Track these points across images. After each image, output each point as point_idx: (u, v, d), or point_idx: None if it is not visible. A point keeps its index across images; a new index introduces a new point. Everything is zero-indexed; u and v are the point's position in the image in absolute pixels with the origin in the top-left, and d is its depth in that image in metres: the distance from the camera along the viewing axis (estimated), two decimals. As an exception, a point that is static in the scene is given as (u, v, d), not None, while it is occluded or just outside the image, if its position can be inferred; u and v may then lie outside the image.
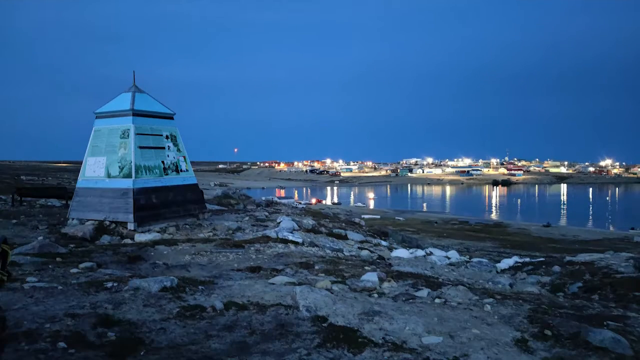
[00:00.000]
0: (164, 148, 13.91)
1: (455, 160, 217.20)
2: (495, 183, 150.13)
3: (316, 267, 8.09)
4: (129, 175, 12.54)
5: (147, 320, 4.72)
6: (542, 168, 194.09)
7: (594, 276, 8.34)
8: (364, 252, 11.60)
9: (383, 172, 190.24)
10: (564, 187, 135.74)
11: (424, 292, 6.17)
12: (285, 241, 10.78)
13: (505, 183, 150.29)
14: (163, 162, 13.71)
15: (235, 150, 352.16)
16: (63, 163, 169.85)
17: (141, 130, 13.22)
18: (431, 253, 12.54)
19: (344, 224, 18.54)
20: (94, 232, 11.42)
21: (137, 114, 13.16)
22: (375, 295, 6.09)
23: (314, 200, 73.65)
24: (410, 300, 5.76)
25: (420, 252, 12.25)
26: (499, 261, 12.09)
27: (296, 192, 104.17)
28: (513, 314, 5.23)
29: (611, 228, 49.81)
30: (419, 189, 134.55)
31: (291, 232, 12.46)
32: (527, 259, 12.17)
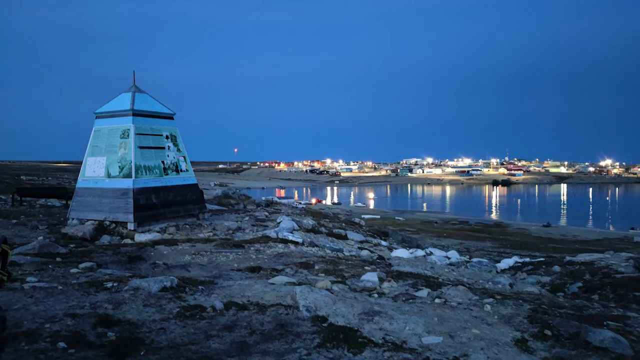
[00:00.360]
0: (164, 148, 13.91)
1: (455, 160, 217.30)
2: (495, 183, 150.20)
3: (316, 267, 8.09)
4: (129, 175, 12.54)
5: (147, 320, 4.72)
6: (542, 168, 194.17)
7: (594, 276, 8.35)
8: (364, 252, 11.61)
9: (383, 172, 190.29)
10: (564, 187, 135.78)
11: (424, 292, 6.17)
12: (285, 241, 10.78)
13: (505, 183, 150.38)
14: (163, 162, 13.71)
15: (235, 150, 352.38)
16: (63, 163, 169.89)
17: (141, 130, 13.22)
18: (431, 253, 12.54)
19: (344, 224, 18.55)
20: (94, 232, 11.42)
21: (137, 114, 13.16)
22: (375, 295, 6.09)
23: (314, 200, 73.65)
24: (410, 300, 5.76)
25: (420, 252, 12.25)
26: (499, 261, 12.10)
27: (296, 192, 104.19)
28: (513, 314, 5.23)
29: (611, 228, 49.81)
30: (419, 189, 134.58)
31: (291, 232, 12.46)
32: (527, 259, 12.18)
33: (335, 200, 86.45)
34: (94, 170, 13.10)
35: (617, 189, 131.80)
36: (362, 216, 38.14)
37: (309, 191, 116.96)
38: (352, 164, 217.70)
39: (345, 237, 14.10)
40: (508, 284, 7.84)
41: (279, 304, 5.31)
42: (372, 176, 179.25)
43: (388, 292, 6.28)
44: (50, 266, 7.10)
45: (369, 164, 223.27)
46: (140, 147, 13.00)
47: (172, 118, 14.75)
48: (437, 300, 5.80)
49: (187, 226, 13.22)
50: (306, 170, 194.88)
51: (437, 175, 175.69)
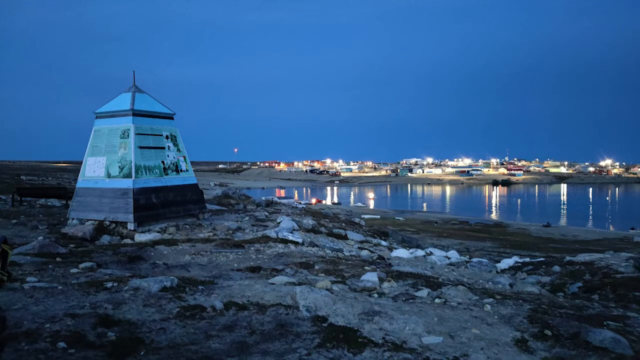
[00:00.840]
0: (164, 148, 13.91)
1: (455, 160, 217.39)
2: (495, 183, 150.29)
3: (316, 267, 8.09)
4: (129, 175, 12.53)
5: (147, 320, 4.72)
6: (542, 168, 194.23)
7: (594, 276, 8.35)
8: (364, 252, 11.60)
9: (383, 172, 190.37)
10: (564, 187, 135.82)
11: (424, 292, 6.17)
12: (285, 241, 10.78)
13: (505, 183, 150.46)
14: (163, 162, 13.71)
15: (235, 150, 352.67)
16: (63, 163, 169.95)
17: (141, 130, 13.22)
18: (431, 253, 12.54)
19: (344, 224, 18.54)
20: (94, 232, 11.42)
21: (137, 114, 13.16)
22: (375, 295, 6.09)
23: (314, 200, 73.68)
24: (410, 300, 5.76)
25: (420, 252, 12.25)
26: (499, 261, 12.10)
27: (296, 192, 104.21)
28: (513, 314, 5.23)
29: (611, 228, 49.83)
30: (419, 189, 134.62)
31: (291, 232, 12.46)
32: (527, 259, 12.18)
33: (335, 200, 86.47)
34: (94, 170, 13.10)
35: (617, 189, 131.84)
36: (362, 216, 38.14)
37: (309, 191, 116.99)
38: (352, 164, 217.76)
39: (345, 237, 14.10)
40: (508, 284, 7.84)
41: (279, 304, 5.31)
42: (372, 176, 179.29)
43: (388, 292, 6.28)
44: (50, 266, 7.09)
45: (369, 164, 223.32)
46: (140, 147, 13.00)
47: (172, 118, 14.75)
48: (437, 300, 5.80)
49: (187, 226, 13.22)
50: (306, 170, 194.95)
51: (437, 175, 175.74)
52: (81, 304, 5.03)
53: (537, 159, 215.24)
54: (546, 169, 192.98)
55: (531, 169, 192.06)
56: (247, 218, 15.50)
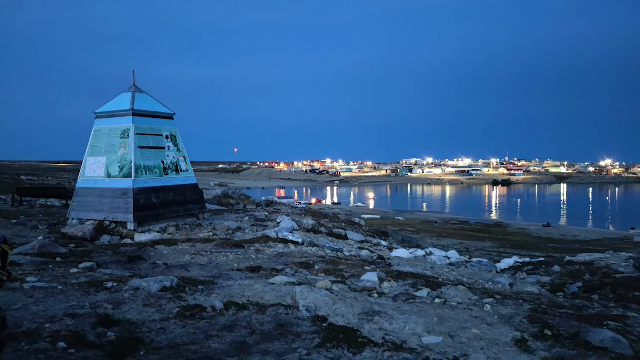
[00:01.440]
0: (164, 148, 13.91)
1: (455, 160, 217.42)
2: (495, 183, 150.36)
3: (316, 267, 8.09)
4: (129, 175, 12.53)
5: (147, 320, 4.72)
6: (542, 168, 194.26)
7: (594, 276, 8.35)
8: (364, 252, 11.60)
9: (383, 172, 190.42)
10: (564, 187, 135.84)
11: (424, 292, 6.17)
12: (285, 241, 10.78)
13: (505, 183, 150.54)
14: (163, 162, 13.71)
15: (235, 150, 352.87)
16: (63, 163, 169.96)
17: (141, 130, 13.22)
18: (431, 253, 12.54)
19: (344, 224, 18.54)
20: (94, 232, 11.42)
21: (137, 114, 13.16)
22: (375, 295, 6.09)
23: (314, 200, 73.70)
24: (410, 300, 5.76)
25: (420, 252, 12.25)
26: (499, 261, 12.10)
27: (296, 192, 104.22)
28: (513, 314, 5.23)
29: (611, 228, 49.82)
30: (419, 189, 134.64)
31: (291, 232, 12.46)
32: (527, 259, 12.18)
33: (335, 200, 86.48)
34: (94, 170, 13.10)
35: (617, 189, 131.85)
36: (362, 216, 38.15)
37: (309, 191, 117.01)
38: (352, 164, 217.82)
39: (345, 237, 14.10)
40: (508, 284, 7.84)
41: (279, 304, 5.31)
42: (372, 176, 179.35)
43: (388, 292, 6.28)
44: (50, 266, 7.09)
45: (369, 164, 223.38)
46: (140, 147, 13.00)
47: (172, 118, 14.75)
48: (437, 300, 5.80)
49: (187, 226, 13.22)
50: (306, 170, 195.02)
51: (437, 175, 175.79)
52: (81, 304, 5.03)
53: (537, 159, 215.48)
54: (546, 169, 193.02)
55: (531, 169, 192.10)
56: (247, 218, 15.50)
